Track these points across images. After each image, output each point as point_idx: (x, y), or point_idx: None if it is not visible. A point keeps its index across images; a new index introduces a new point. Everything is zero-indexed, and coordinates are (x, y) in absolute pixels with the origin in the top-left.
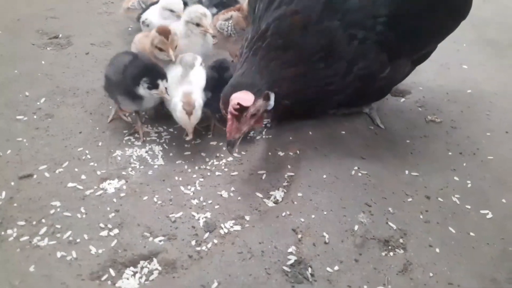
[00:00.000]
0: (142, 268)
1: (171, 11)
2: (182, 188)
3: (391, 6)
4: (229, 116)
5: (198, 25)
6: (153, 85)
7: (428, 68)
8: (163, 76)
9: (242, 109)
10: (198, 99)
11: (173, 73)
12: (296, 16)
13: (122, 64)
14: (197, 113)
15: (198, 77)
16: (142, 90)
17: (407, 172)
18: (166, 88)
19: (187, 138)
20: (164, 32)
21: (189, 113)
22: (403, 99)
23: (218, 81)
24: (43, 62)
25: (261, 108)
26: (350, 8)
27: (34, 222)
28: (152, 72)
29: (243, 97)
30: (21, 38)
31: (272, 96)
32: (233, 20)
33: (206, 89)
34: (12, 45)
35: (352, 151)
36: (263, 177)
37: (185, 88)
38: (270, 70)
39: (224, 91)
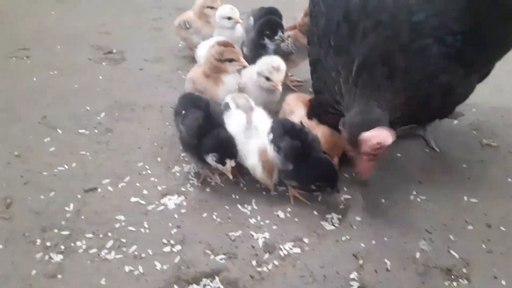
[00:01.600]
0: (205, 286)
1: (229, 18)
2: (239, 206)
3: (466, 21)
4: (364, 156)
5: (268, 79)
6: (221, 162)
7: (480, 90)
8: (232, 156)
9: (382, 147)
10: (272, 155)
11: (236, 120)
12: (389, 41)
13: (195, 125)
14: (275, 172)
15: (263, 122)
16: (210, 160)
17: (465, 198)
18: (232, 166)
19: (272, 190)
20: (228, 43)
21: (271, 173)
22: (456, 121)
23: (302, 150)
24: (100, 77)
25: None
26: (433, 26)
27: (101, 235)
28: (223, 148)
29: (381, 135)
30: (78, 52)
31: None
32: (292, 38)
33: (287, 160)
34: (70, 59)
35: (409, 175)
36: (319, 199)
37: (259, 143)
38: (387, 101)
39: (351, 132)
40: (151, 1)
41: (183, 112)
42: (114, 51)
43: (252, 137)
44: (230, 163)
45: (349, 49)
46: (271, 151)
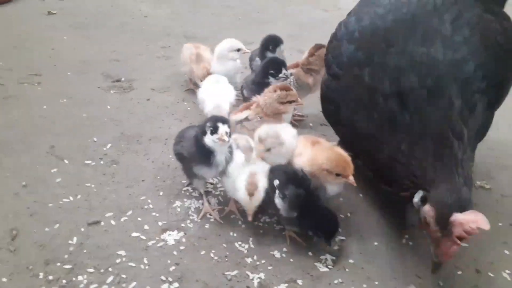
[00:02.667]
0: None
1: (238, 50)
2: (236, 245)
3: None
4: (453, 240)
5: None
6: (215, 129)
7: None
8: (224, 121)
9: (476, 232)
10: (263, 181)
11: (236, 158)
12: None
13: (192, 136)
14: (259, 195)
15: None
16: (208, 139)
17: None
18: (226, 133)
19: (249, 219)
20: (286, 87)
21: (251, 194)
22: None
23: (306, 198)
24: (108, 107)
25: None
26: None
27: (102, 270)
28: (214, 118)
29: (478, 220)
30: (88, 80)
31: None
32: (295, 76)
33: (291, 209)
34: (80, 87)
35: (403, 217)
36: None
37: (251, 168)
38: (465, 173)
39: (442, 213)
40: (160, 28)
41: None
42: (123, 79)
43: (246, 172)
44: (223, 128)
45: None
46: (277, 198)
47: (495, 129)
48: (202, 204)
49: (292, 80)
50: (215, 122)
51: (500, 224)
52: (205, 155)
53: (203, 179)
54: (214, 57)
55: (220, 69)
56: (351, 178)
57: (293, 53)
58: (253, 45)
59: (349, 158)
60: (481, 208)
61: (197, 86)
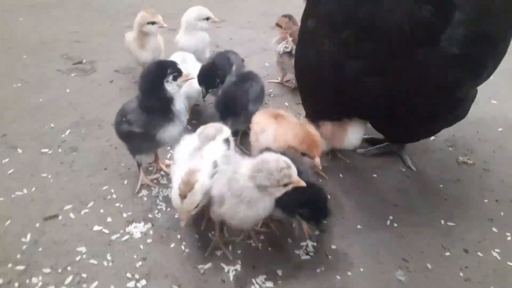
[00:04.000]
0: None
1: (207, 19)
2: (210, 235)
3: None
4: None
5: None
6: (179, 73)
7: None
8: (175, 63)
9: None
10: (203, 181)
11: (187, 145)
12: None
13: (133, 105)
14: (194, 198)
15: (213, 153)
16: (171, 86)
17: (442, 222)
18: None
19: (182, 224)
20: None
21: (183, 196)
22: (432, 137)
23: None
24: (67, 90)
25: None
26: None
27: (60, 270)
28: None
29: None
30: (46, 62)
31: None
32: (294, 40)
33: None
34: (37, 70)
35: (385, 197)
36: (293, 225)
37: (192, 164)
38: None
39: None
40: (127, 7)
41: None
42: (84, 61)
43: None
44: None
45: None
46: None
47: (474, 104)
48: (161, 188)
49: (291, 44)
50: (173, 65)
51: (485, 200)
52: (165, 110)
53: (153, 151)
54: (181, 29)
55: (189, 43)
56: (317, 160)
57: (267, 30)
58: (225, 23)
59: (318, 138)
60: (465, 184)
61: None
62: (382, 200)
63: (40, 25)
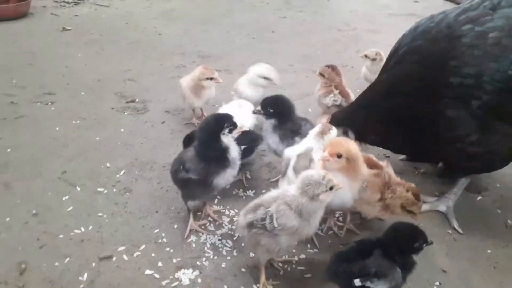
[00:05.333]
0: None
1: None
2: (255, 287)
3: None
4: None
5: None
6: (234, 126)
7: None
8: (231, 116)
9: None
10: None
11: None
12: None
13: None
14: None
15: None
16: (226, 138)
17: None
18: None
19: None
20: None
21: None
22: (479, 197)
23: None
24: (122, 130)
25: None
26: None
27: None
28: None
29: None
30: (102, 100)
31: None
32: (340, 92)
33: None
34: (93, 108)
35: (432, 260)
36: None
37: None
38: None
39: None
40: (174, 46)
41: None
42: (137, 100)
43: None
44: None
45: None
46: None
47: None
48: (219, 239)
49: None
50: (229, 119)
51: None
52: (221, 158)
53: (206, 197)
54: (244, 78)
55: (252, 96)
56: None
57: (308, 73)
58: None
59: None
60: (511, 252)
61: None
62: (428, 263)
63: (95, 62)
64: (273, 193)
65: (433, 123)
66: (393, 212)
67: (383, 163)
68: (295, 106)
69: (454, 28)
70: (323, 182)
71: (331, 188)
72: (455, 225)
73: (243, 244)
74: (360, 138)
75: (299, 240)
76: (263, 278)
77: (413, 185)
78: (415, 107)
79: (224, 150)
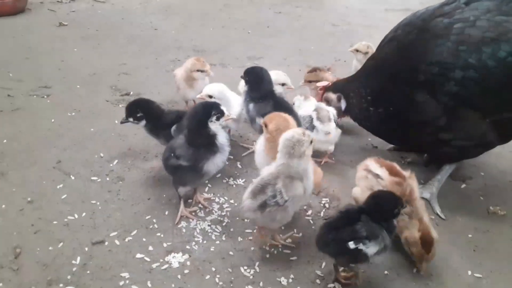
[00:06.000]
0: None
1: (282, 84)
2: (242, 269)
3: None
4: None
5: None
6: (221, 113)
7: (488, 152)
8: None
9: None
10: None
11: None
12: None
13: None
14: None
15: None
16: (214, 125)
17: (470, 272)
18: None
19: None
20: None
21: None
22: (463, 185)
23: None
24: (116, 121)
25: None
26: None
27: None
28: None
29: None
30: (97, 93)
31: None
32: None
33: None
34: (89, 100)
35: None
36: (322, 265)
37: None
38: None
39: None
40: (170, 41)
41: None
42: (131, 93)
43: None
44: (225, 110)
45: None
46: None
47: (507, 152)
48: (209, 225)
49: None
50: (217, 108)
51: None
52: (211, 144)
53: (197, 183)
54: None
55: None
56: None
57: (302, 67)
58: (261, 60)
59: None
60: (494, 235)
61: None
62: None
63: (91, 57)
64: (266, 172)
65: (405, 108)
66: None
67: (407, 173)
68: (267, 77)
69: (426, 21)
70: (304, 138)
71: (311, 142)
72: (438, 211)
73: (231, 230)
74: (349, 110)
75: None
76: (277, 237)
77: (431, 227)
78: (390, 90)
79: (212, 137)
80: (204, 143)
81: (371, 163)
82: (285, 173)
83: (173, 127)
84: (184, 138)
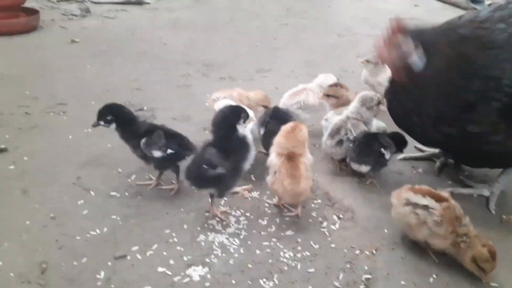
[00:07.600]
0: None
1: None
2: (261, 282)
3: None
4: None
5: None
6: (247, 116)
7: None
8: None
9: None
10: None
11: None
12: None
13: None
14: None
15: None
16: (242, 127)
17: (484, 281)
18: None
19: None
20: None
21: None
22: (475, 194)
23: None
24: None
25: None
26: None
27: None
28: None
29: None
30: None
31: None
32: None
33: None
34: None
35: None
36: (340, 277)
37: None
38: None
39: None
40: (179, 56)
41: None
42: (145, 108)
43: None
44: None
45: None
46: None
47: None
48: (227, 238)
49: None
50: (244, 110)
51: None
52: (243, 144)
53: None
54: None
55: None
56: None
57: (309, 78)
58: (270, 73)
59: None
60: (509, 244)
61: None
62: (427, 256)
63: (103, 73)
64: (337, 119)
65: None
66: (461, 259)
67: (444, 193)
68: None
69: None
70: (374, 98)
71: (378, 103)
72: (492, 208)
73: (249, 242)
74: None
75: None
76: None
77: (489, 242)
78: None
79: (244, 137)
80: (237, 145)
81: (410, 195)
82: (353, 117)
83: (143, 140)
84: (211, 147)
